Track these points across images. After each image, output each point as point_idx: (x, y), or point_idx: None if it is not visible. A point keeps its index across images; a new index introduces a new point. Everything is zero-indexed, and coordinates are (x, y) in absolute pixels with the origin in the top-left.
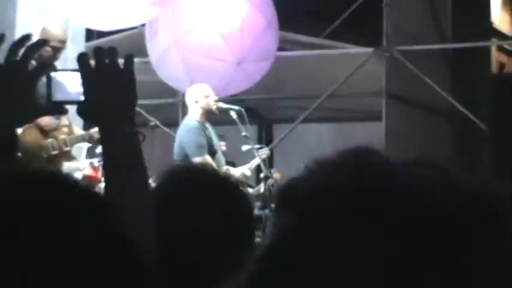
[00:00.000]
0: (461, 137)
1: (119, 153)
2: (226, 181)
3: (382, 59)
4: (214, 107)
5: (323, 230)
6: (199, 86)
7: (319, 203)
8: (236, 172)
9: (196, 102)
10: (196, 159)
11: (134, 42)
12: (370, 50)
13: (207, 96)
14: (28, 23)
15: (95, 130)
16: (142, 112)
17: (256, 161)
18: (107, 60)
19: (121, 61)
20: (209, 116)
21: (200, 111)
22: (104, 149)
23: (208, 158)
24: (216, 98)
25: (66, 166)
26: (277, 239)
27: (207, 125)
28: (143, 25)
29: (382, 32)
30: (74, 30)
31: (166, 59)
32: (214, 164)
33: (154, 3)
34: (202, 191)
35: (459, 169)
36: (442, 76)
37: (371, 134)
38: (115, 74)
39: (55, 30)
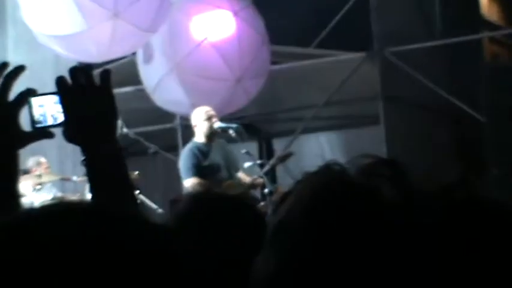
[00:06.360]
0: (459, 131)
1: (104, 171)
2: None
3: (375, 62)
4: (214, 128)
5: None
6: (199, 110)
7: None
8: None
9: (196, 126)
10: (185, 182)
11: (127, 71)
12: (362, 54)
13: (207, 119)
14: (19, 62)
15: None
16: (141, 139)
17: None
18: (83, 80)
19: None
20: (212, 137)
21: (201, 133)
22: (88, 169)
23: (194, 180)
24: (216, 118)
25: None
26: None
27: (212, 145)
28: (134, 53)
29: (372, 35)
30: (66, 62)
31: (165, 83)
32: (202, 184)
33: (147, 30)
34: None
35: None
36: (436, 72)
37: (371, 139)
38: (92, 93)
39: None
